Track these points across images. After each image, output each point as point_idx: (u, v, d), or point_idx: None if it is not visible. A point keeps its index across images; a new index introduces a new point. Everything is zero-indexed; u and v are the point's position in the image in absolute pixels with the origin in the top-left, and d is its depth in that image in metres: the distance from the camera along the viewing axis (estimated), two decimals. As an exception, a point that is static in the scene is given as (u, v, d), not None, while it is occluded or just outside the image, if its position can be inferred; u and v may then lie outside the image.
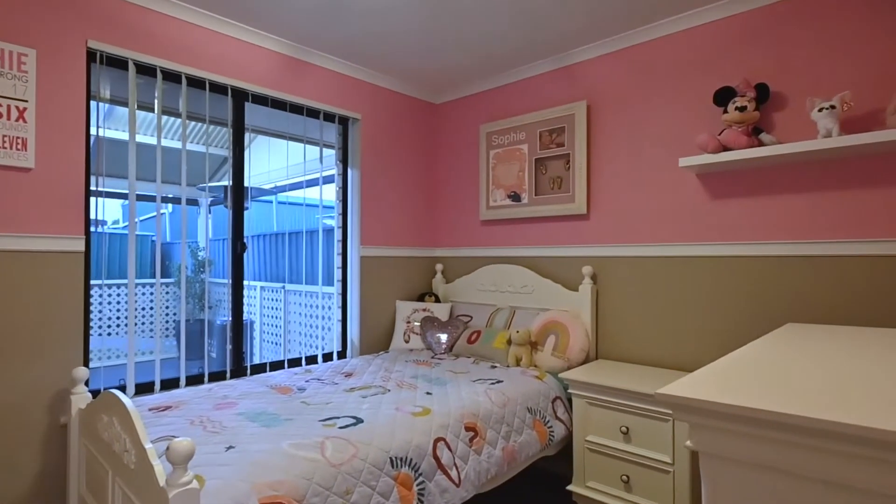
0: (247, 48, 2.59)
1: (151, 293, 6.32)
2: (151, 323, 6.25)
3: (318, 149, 3.00)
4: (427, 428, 1.79)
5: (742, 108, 2.12)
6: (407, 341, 3.12)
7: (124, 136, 2.26)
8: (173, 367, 2.49)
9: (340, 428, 1.69)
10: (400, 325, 3.18)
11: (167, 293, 6.67)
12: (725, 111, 2.18)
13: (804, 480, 0.71)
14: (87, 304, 2.13)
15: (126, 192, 2.25)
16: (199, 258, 6.41)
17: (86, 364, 2.13)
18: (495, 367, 2.63)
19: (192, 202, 6.93)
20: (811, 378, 0.92)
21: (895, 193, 1.91)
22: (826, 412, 0.71)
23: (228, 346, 2.60)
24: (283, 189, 6.39)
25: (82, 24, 2.07)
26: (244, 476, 1.34)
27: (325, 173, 3.08)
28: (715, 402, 0.73)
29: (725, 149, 2.17)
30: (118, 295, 6.29)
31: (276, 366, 2.78)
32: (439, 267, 3.49)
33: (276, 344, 5.40)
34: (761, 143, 2.12)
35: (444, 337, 3.02)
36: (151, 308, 6.22)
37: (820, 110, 1.92)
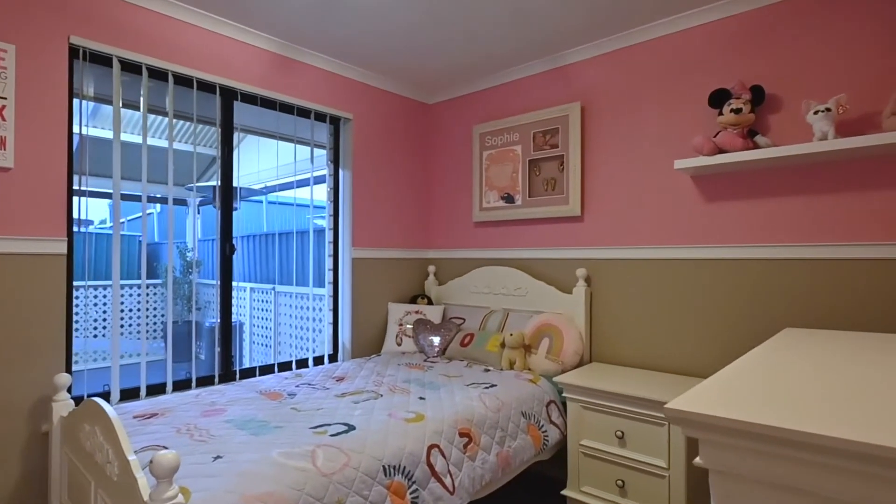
0: (236, 46, 2.54)
1: (139, 294, 6.23)
2: (138, 325, 6.15)
3: (308, 149, 2.95)
4: (420, 434, 1.76)
5: (737, 111, 2.11)
6: (399, 344, 3.08)
7: (110, 134, 2.20)
8: (160, 369, 2.43)
9: (332, 435, 1.65)
10: (392, 327, 3.14)
11: (155, 294, 6.57)
12: (720, 113, 2.17)
13: (820, 499, 0.69)
14: (69, 307, 2.07)
15: (111, 191, 2.19)
16: (188, 259, 6.32)
17: (68, 369, 2.07)
18: (489, 370, 2.60)
19: (181, 202, 6.84)
20: (821, 390, 0.90)
21: (891, 196, 1.90)
22: (844, 430, 0.68)
23: (217, 349, 2.54)
24: (273, 189, 6.32)
25: (64, 20, 2.01)
26: (232, 487, 1.29)
27: (315, 173, 3.03)
28: (727, 419, 0.70)
29: (721, 151, 2.16)
30: (104, 297, 6.18)
31: (266, 370, 2.72)
32: (432, 269, 3.46)
33: (267, 346, 5.34)
34: (756, 146, 2.11)
35: (436, 340, 2.99)
36: (139, 310, 6.12)
37: (815, 113, 1.91)
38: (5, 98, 1.86)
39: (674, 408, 0.74)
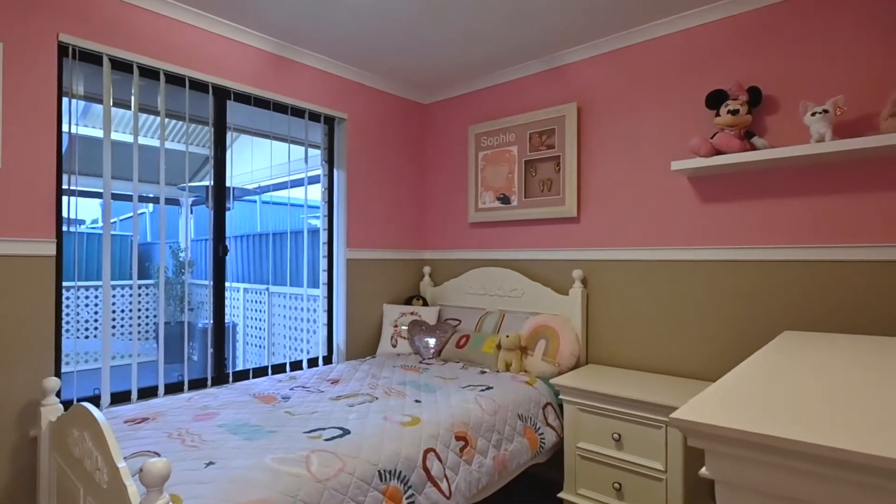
0: (229, 45, 2.50)
1: (131, 295, 6.16)
2: (130, 326, 6.08)
3: (302, 149, 2.92)
4: (416, 438, 1.74)
5: (734, 112, 2.10)
6: (394, 346, 3.06)
7: (101, 133, 2.16)
8: (152, 370, 2.40)
9: (326, 440, 1.62)
10: (387, 329, 3.12)
11: (147, 295, 6.51)
12: (718, 114, 2.17)
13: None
14: (58, 309, 2.03)
15: (102, 191, 2.15)
16: (180, 259, 6.27)
17: (58, 372, 2.03)
18: (485, 372, 2.58)
19: (173, 202, 6.77)
20: (825, 396, 0.89)
21: (889, 198, 1.90)
22: (848, 440, 0.67)
23: (210, 351, 2.51)
24: (267, 189, 6.27)
25: (53, 17, 1.97)
26: (224, 495, 1.27)
27: (310, 173, 3.00)
28: (737, 430, 0.69)
29: (718, 152, 2.15)
30: (95, 297, 6.11)
31: (260, 372, 2.69)
32: (427, 270, 3.44)
33: (260, 347, 5.29)
34: (754, 147, 2.11)
35: (432, 341, 2.96)
36: (131, 310, 6.06)
37: (813, 114, 1.90)
38: (-8, 96, 1.82)
39: (680, 417, 0.73)
